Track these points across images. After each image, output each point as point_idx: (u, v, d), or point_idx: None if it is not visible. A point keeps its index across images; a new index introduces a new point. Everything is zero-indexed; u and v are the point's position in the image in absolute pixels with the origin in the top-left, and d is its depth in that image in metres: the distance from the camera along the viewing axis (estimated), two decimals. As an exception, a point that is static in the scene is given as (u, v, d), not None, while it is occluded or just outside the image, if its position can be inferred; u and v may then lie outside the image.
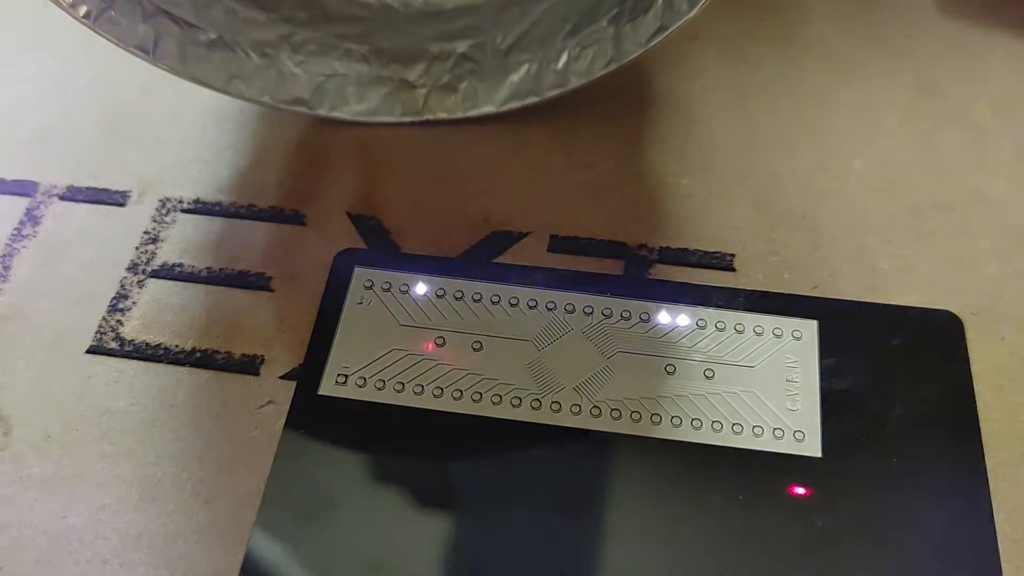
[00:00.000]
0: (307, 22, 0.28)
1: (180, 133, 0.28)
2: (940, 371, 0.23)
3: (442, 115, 0.28)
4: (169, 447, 0.22)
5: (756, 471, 0.22)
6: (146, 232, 0.26)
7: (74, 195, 0.27)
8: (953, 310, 0.24)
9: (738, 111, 0.28)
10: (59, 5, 0.25)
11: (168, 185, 0.27)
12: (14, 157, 0.28)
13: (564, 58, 0.27)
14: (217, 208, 0.27)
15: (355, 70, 0.29)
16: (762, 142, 0.28)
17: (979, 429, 0.22)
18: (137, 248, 0.26)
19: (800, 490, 0.22)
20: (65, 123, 0.29)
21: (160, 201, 0.27)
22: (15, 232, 0.26)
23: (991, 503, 0.21)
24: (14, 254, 0.26)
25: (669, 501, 0.22)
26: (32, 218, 0.27)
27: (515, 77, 0.28)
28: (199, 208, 0.27)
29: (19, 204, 0.27)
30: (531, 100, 0.28)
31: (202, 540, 0.21)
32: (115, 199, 0.27)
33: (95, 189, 0.27)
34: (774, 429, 0.22)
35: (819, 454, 0.22)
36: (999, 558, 0.21)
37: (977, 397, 0.23)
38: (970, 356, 0.23)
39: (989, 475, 0.22)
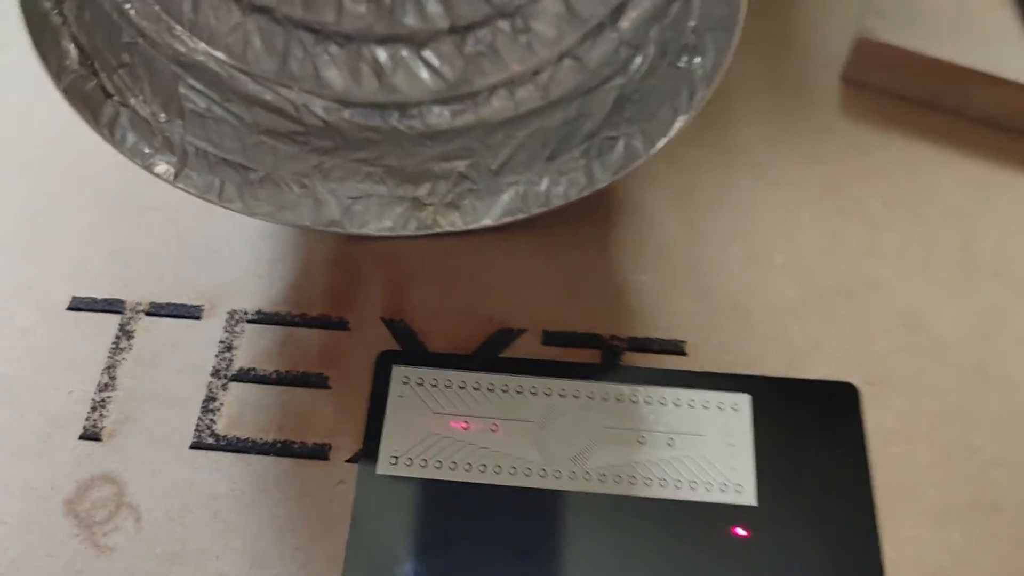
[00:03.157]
0: (332, 150, 0.35)
1: (236, 251, 0.35)
2: (842, 431, 0.31)
3: (449, 228, 0.35)
4: (268, 522, 0.30)
5: (707, 518, 0.30)
6: (221, 342, 0.33)
7: (157, 311, 0.34)
8: (853, 380, 0.32)
9: (683, 211, 0.36)
10: (140, 166, 0.31)
11: (233, 298, 0.34)
12: (99, 276, 0.34)
13: (546, 183, 0.34)
14: (276, 318, 0.33)
15: (376, 191, 0.35)
16: (703, 238, 0.35)
17: (870, 476, 0.30)
18: (216, 356, 0.33)
19: (741, 531, 0.29)
20: (139, 245, 0.35)
21: (228, 313, 0.33)
22: (114, 346, 0.33)
23: (878, 536, 0.29)
24: (116, 365, 0.32)
25: (642, 544, 0.29)
26: (126, 332, 0.33)
27: (506, 197, 0.35)
28: (261, 319, 0.33)
29: (112, 320, 0.33)
30: (521, 216, 0.34)
31: (303, 595, 0.29)
32: (192, 312, 0.33)
33: (174, 304, 0.34)
34: (720, 484, 0.30)
35: (755, 503, 0.30)
36: None
37: (870, 452, 0.31)
38: (864, 419, 0.31)
39: (878, 513, 0.30)
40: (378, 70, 0.33)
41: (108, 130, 0.30)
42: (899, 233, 0.35)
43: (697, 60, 0.29)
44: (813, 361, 0.32)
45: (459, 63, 0.32)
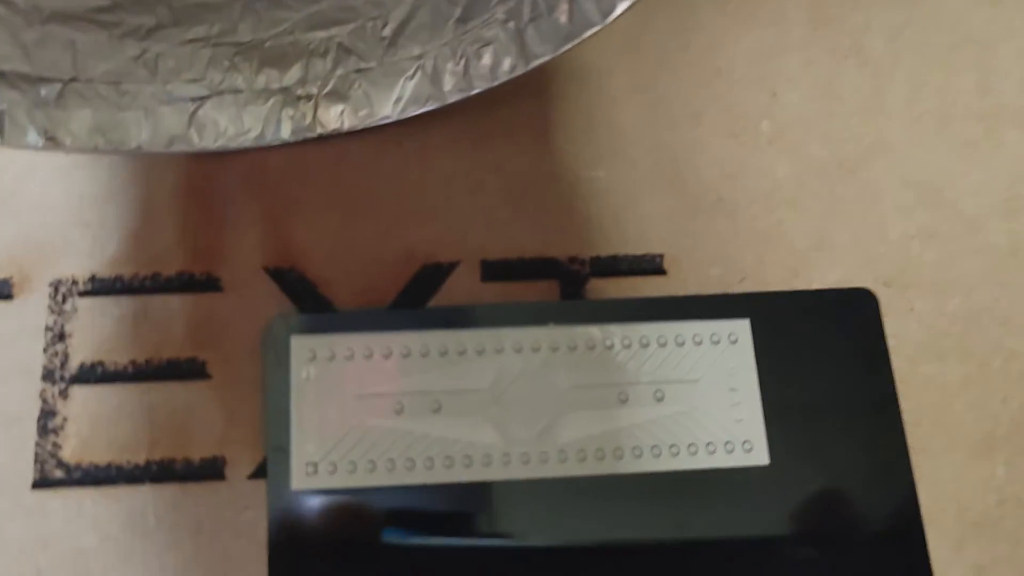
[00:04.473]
0: (155, 29, 0.25)
1: (46, 192, 0.25)
2: (861, 353, 0.25)
3: (335, 128, 0.26)
4: (157, 578, 0.23)
5: (713, 489, 0.24)
6: (48, 328, 0.24)
7: (-54, 293, 0.24)
8: (867, 283, 0.26)
9: (639, 74, 0.27)
10: None
11: (53, 262, 0.25)
12: None
13: (462, 58, 0.25)
14: (119, 284, 0.24)
15: (228, 84, 0.26)
16: (667, 109, 0.27)
17: (898, 408, 0.25)
18: (45, 351, 0.24)
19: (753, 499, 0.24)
20: (-100, 197, 0.25)
21: (51, 286, 0.24)
22: None
23: (913, 481, 0.24)
24: (-96, 380, 0.24)
25: (638, 536, 0.24)
26: (-92, 330, 0.24)
27: (409, 79, 0.26)
28: (98, 288, 0.24)
29: None
30: (432, 106, 0.26)
31: (222, 667, 0.22)
32: (-2, 291, 0.24)
33: (-31, 282, 0.24)
34: (725, 443, 0.24)
35: (767, 462, 0.24)
36: (922, 528, 0.24)
37: (895, 375, 0.25)
38: (885, 332, 0.26)
39: (910, 452, 0.25)
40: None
41: None
42: (907, 78, 0.28)
43: None
44: (819, 263, 0.26)
45: None
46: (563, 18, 0.24)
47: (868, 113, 0.27)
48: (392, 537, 0.23)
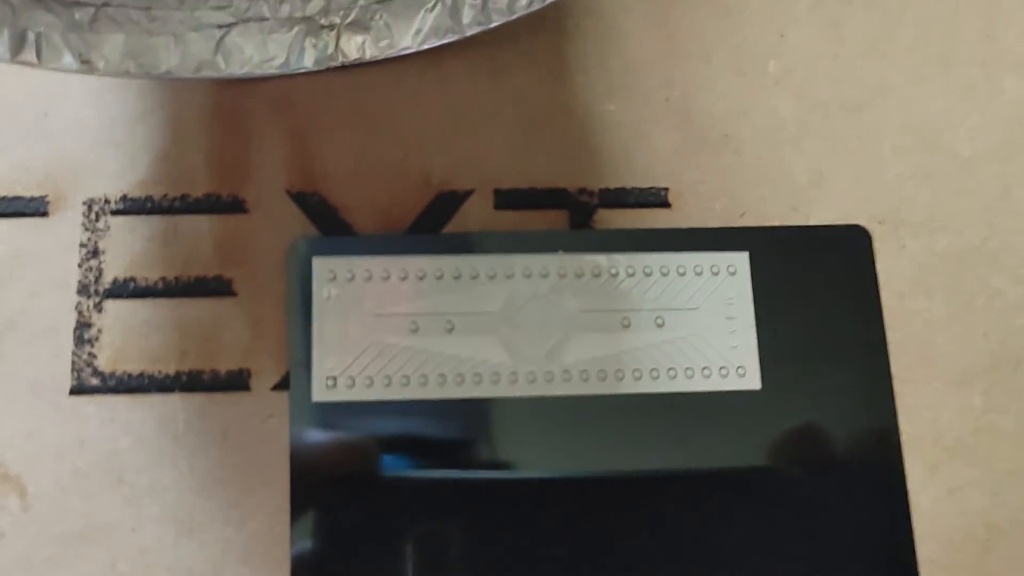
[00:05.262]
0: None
1: (77, 111, 0.26)
2: (853, 287, 0.27)
3: (357, 57, 0.27)
4: (186, 479, 0.24)
5: (706, 410, 0.26)
6: (83, 245, 0.25)
7: (-15, 208, 0.25)
8: (862, 221, 0.27)
9: (654, 10, 0.28)
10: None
11: (86, 182, 0.26)
12: None
13: (481, -9, 0.26)
14: (149, 204, 0.26)
15: (253, 12, 0.26)
16: (680, 46, 0.28)
17: (884, 340, 0.26)
18: (80, 266, 0.25)
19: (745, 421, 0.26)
20: (-62, 113, 0.26)
21: (84, 205, 0.25)
22: (-63, 262, 0.25)
23: (895, 409, 0.26)
24: (-53, 289, 0.25)
25: (633, 451, 0.25)
26: (-51, 242, 0.25)
27: (431, 12, 0.26)
28: (130, 207, 0.26)
29: (-74, 225, 0.25)
30: (452, 38, 0.26)
31: (247, 562, 0.24)
32: (34, 208, 0.25)
33: (6, 198, 0.25)
34: (720, 368, 0.26)
35: (759, 386, 0.26)
36: (901, 452, 0.26)
37: (884, 309, 0.27)
38: (877, 267, 0.27)
39: (894, 381, 0.26)
40: None
41: None
42: (913, 21, 0.29)
43: None
44: (817, 200, 0.27)
45: None
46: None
47: (873, 55, 0.28)
48: (402, 446, 0.25)
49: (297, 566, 0.24)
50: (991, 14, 0.29)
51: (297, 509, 0.24)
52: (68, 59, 0.24)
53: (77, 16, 0.24)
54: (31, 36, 0.24)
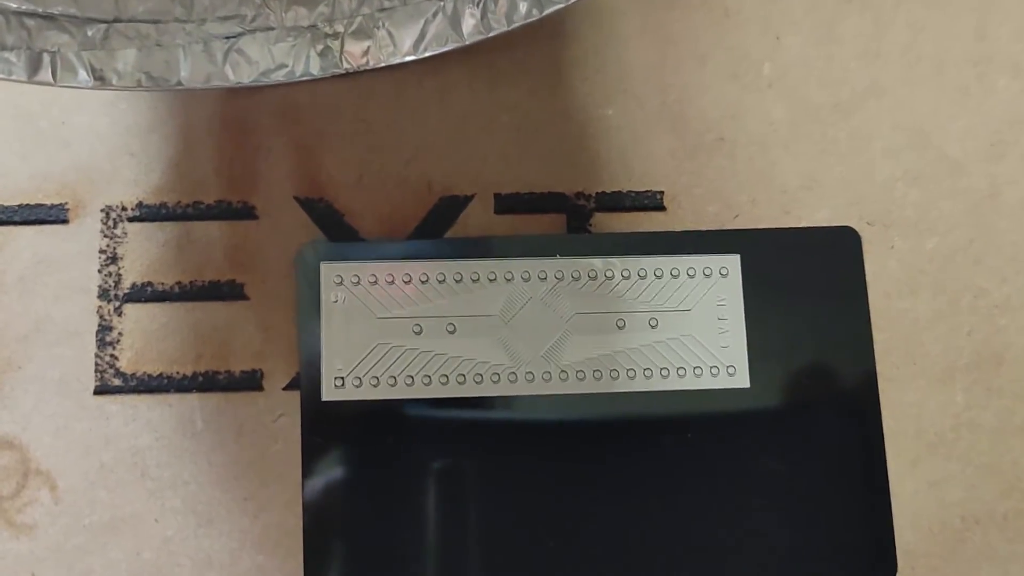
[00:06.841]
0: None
1: (93, 121, 0.27)
2: (842, 287, 0.28)
3: (361, 65, 0.28)
4: (205, 474, 0.26)
5: (697, 407, 0.27)
6: (102, 251, 0.27)
7: (9, 216, 0.27)
8: (852, 222, 0.28)
9: (649, 17, 0.29)
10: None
11: (104, 189, 0.27)
12: (-79, 170, 0.27)
13: (480, 2, 0.26)
14: (164, 211, 0.27)
15: (259, 22, 0.27)
16: (676, 50, 0.29)
17: (871, 339, 0.27)
18: (100, 271, 0.26)
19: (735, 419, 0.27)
20: (-38, 125, 0.27)
21: (103, 212, 0.27)
22: (-34, 269, 0.26)
23: (879, 403, 0.27)
24: (-24, 294, 0.26)
25: (627, 447, 0.27)
26: (-24, 249, 0.26)
27: (432, 21, 0.27)
28: (146, 214, 0.27)
29: (-46, 233, 0.27)
30: (452, 46, 0.27)
31: (262, 550, 0.26)
32: (55, 215, 0.27)
33: (28, 206, 0.27)
34: (711, 367, 0.27)
35: (747, 385, 0.27)
36: (884, 447, 0.27)
37: (871, 308, 0.27)
38: (866, 268, 0.28)
39: (879, 378, 0.27)
40: None
41: None
42: (907, 22, 0.29)
43: None
44: (809, 203, 0.28)
45: None
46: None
47: (866, 57, 0.29)
48: (406, 443, 0.26)
49: (309, 554, 0.26)
50: (985, 11, 0.29)
51: (310, 502, 0.26)
52: (83, 76, 0.25)
53: (90, 33, 0.25)
54: (46, 57, 0.25)
